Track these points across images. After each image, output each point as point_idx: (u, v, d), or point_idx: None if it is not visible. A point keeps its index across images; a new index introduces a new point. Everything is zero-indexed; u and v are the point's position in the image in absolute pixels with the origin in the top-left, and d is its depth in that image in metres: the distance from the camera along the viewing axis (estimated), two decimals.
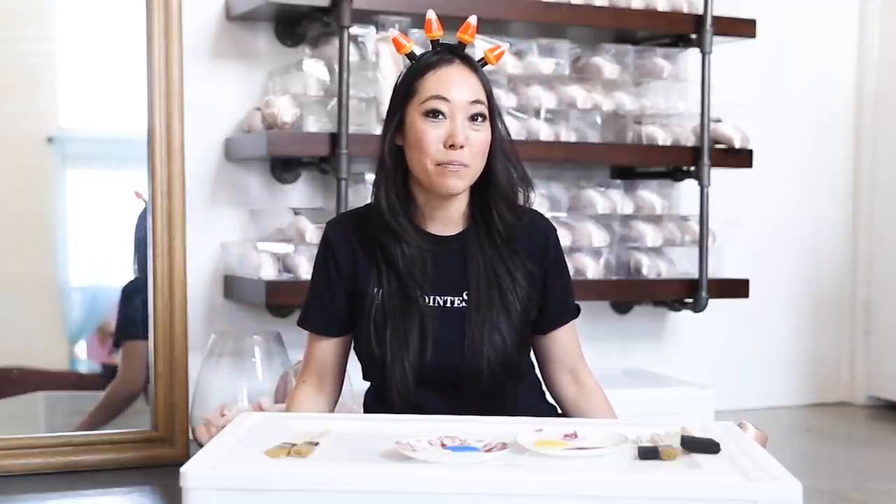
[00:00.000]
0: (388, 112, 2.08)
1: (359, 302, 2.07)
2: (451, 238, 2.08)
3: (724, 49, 3.74)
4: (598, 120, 3.60)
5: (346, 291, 2.08)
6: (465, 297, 2.05)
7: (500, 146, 2.07)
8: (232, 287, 3.37)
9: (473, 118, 2.01)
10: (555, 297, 2.13)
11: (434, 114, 2.00)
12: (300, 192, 3.50)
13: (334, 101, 3.17)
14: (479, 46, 2.12)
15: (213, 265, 3.42)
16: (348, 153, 3.13)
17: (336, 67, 3.15)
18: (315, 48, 3.40)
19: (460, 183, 2.00)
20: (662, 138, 3.64)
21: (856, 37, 4.34)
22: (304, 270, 3.17)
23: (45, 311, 3.30)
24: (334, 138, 3.14)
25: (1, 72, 3.17)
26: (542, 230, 2.13)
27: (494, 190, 2.06)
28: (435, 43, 2.08)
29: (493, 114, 2.06)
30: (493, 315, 2.03)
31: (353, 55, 3.22)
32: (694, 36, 3.64)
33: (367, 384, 2.16)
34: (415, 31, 3.34)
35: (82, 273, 3.34)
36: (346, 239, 2.08)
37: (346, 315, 2.09)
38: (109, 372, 3.28)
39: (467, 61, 2.05)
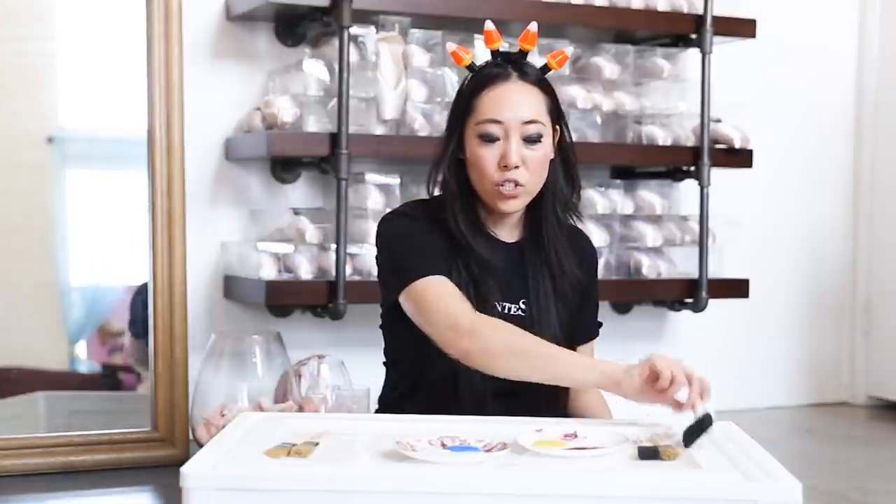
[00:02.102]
0: (448, 127, 2.07)
1: None
2: (511, 246, 2.09)
3: (724, 49, 3.74)
4: (598, 120, 3.60)
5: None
6: (522, 305, 2.06)
7: (564, 157, 2.08)
8: (232, 287, 3.37)
9: (530, 139, 1.99)
10: (584, 317, 2.18)
11: (488, 138, 1.99)
12: (300, 192, 3.50)
13: (334, 101, 3.17)
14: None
15: (213, 265, 3.42)
16: (348, 153, 3.13)
17: (336, 67, 3.15)
18: (315, 48, 3.40)
19: (517, 203, 2.02)
20: (662, 138, 3.64)
21: (856, 37, 4.34)
22: (305, 270, 3.17)
23: (45, 311, 3.29)
24: (334, 138, 3.14)
25: (1, 72, 3.17)
26: (590, 255, 2.18)
27: (550, 198, 2.06)
28: (495, 53, 2.06)
29: (558, 124, 2.06)
30: (552, 323, 2.05)
31: (353, 55, 3.22)
32: (694, 36, 3.64)
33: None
34: (415, 31, 3.34)
35: (82, 273, 3.34)
36: (429, 220, 2.05)
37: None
38: (110, 371, 3.28)
39: (526, 74, 2.02)
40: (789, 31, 4.17)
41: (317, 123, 3.23)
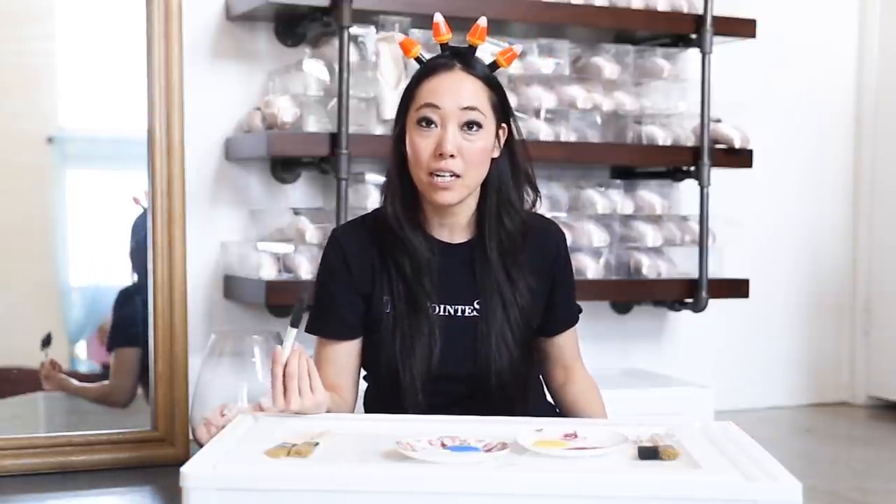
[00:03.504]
0: (395, 119, 2.05)
1: (369, 308, 2.06)
2: (460, 246, 2.07)
3: (724, 49, 3.74)
4: (598, 120, 3.60)
5: (360, 294, 2.05)
6: (477, 305, 2.05)
7: (511, 156, 2.05)
8: (232, 287, 3.37)
9: (468, 126, 1.97)
10: (560, 304, 2.14)
11: (426, 122, 1.97)
12: (300, 192, 3.50)
13: (334, 101, 3.17)
14: (487, 49, 2.11)
15: (213, 265, 3.42)
16: (348, 153, 3.13)
17: (336, 67, 3.15)
18: (315, 48, 3.41)
19: (451, 196, 1.97)
20: (662, 138, 3.64)
21: (856, 37, 4.34)
22: (305, 270, 3.17)
23: (45, 311, 3.29)
24: (334, 138, 3.14)
25: (1, 72, 3.17)
26: (554, 239, 2.12)
27: (493, 198, 2.04)
28: (444, 47, 2.04)
29: (505, 123, 2.03)
30: (500, 326, 2.03)
31: (353, 55, 3.22)
32: (694, 36, 3.64)
33: (364, 384, 2.16)
34: (415, 31, 3.34)
35: (82, 273, 3.34)
36: (358, 245, 2.06)
37: (361, 318, 2.06)
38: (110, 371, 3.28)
39: (470, 66, 2.00)
40: (789, 31, 4.17)
41: (317, 123, 3.23)
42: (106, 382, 3.25)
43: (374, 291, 2.05)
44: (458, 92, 1.97)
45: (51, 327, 3.23)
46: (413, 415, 1.95)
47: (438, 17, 2.05)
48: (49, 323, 3.25)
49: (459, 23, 3.31)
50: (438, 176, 1.95)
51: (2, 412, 3.12)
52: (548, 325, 2.14)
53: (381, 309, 2.04)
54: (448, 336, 2.02)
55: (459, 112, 1.96)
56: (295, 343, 1.86)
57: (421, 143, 1.97)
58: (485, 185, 2.04)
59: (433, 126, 1.97)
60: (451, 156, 1.95)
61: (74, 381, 3.22)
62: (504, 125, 2.05)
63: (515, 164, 2.07)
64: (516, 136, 2.07)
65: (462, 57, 2.02)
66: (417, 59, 2.05)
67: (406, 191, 2.03)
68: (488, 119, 1.99)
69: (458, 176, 1.96)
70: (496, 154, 2.04)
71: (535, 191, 2.10)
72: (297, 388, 1.83)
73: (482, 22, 2.06)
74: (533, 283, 2.07)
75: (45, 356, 3.18)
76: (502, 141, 2.05)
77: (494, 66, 2.06)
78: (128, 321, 3.22)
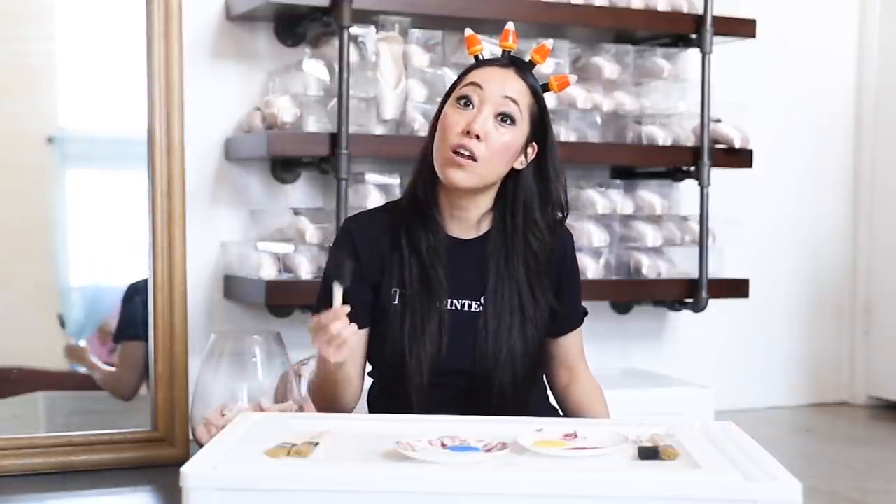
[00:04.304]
0: (439, 105, 2.07)
1: (377, 297, 2.06)
2: (470, 242, 2.07)
3: (724, 49, 3.74)
4: (598, 120, 3.60)
5: (369, 283, 2.05)
6: (483, 301, 2.05)
7: (545, 174, 2.06)
8: (232, 287, 3.38)
9: (503, 118, 1.98)
10: (566, 305, 2.14)
11: (465, 101, 1.99)
12: (300, 192, 3.50)
13: (334, 101, 3.18)
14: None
15: (213, 265, 3.42)
16: (348, 153, 3.13)
17: (336, 67, 3.15)
18: (315, 48, 3.41)
19: (463, 177, 1.97)
20: (662, 138, 3.64)
21: (856, 37, 4.35)
22: (305, 270, 3.17)
23: (45, 311, 3.29)
24: (334, 138, 3.14)
25: (1, 72, 3.17)
26: (563, 241, 2.13)
27: (520, 217, 2.04)
28: (505, 53, 2.08)
29: (537, 135, 2.04)
30: (508, 324, 2.03)
31: (353, 55, 3.22)
32: (694, 36, 3.64)
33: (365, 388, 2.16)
34: (415, 31, 3.34)
35: (82, 273, 3.34)
36: (369, 234, 2.07)
37: (369, 307, 2.05)
38: None
39: (524, 73, 2.03)
40: (789, 31, 4.17)
41: (317, 123, 3.23)
42: (113, 370, 3.26)
43: (383, 282, 2.05)
44: (504, 82, 2.00)
45: (51, 327, 3.23)
46: (415, 414, 1.96)
47: (510, 26, 2.10)
48: (49, 323, 3.25)
49: (460, 23, 3.34)
50: (458, 154, 1.96)
51: (2, 412, 3.12)
52: (553, 325, 2.13)
53: (388, 300, 2.04)
54: (453, 330, 2.03)
55: (500, 100, 1.98)
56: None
57: (453, 118, 1.98)
58: (511, 199, 2.05)
59: (470, 107, 1.98)
60: (477, 137, 1.96)
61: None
62: (535, 143, 2.05)
63: (547, 188, 2.08)
64: (551, 161, 2.07)
65: (519, 63, 2.05)
66: (476, 58, 2.07)
67: (435, 176, 2.03)
68: (523, 120, 2.01)
69: (475, 160, 1.96)
70: (519, 165, 2.04)
71: (563, 216, 2.12)
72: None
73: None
74: (551, 279, 2.09)
75: (64, 337, 3.20)
76: (529, 156, 2.05)
77: (532, 64, 2.07)
78: (136, 315, 3.22)
